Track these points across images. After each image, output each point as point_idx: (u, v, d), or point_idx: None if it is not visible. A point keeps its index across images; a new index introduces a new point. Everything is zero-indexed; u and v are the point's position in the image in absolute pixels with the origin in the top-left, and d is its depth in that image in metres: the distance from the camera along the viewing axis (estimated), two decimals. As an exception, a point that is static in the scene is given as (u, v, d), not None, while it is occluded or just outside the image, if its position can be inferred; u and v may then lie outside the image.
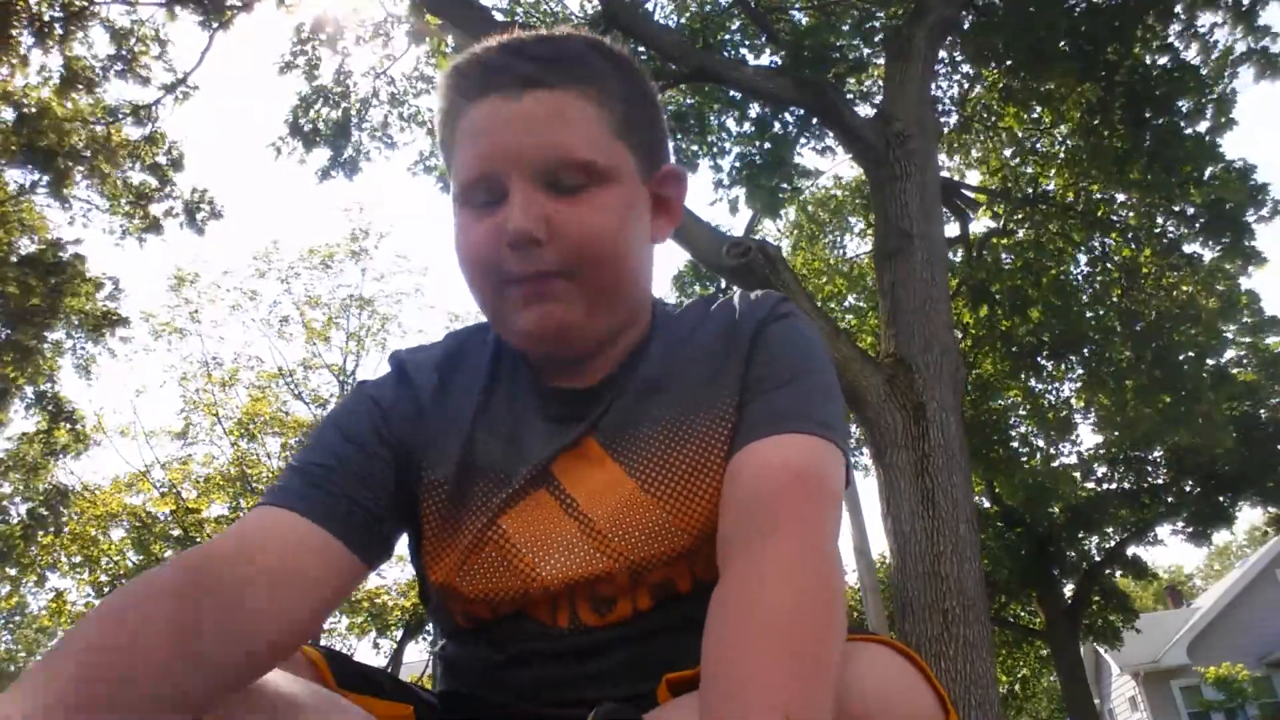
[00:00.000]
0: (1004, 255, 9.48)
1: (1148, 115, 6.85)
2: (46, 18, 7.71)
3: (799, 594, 0.60)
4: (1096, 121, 7.31)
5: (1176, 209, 7.71)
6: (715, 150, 8.55)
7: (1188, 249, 8.12)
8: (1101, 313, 9.20)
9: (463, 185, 0.78)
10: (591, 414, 0.80)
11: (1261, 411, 10.69)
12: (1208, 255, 8.06)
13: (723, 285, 9.74)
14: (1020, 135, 8.85)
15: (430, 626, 11.76)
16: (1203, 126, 7.18)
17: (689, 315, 0.87)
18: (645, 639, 0.75)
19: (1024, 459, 11.25)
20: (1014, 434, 11.67)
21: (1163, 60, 7.06)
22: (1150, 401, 8.56)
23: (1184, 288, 8.51)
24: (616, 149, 0.78)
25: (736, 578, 0.64)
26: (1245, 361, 10.67)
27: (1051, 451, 11.93)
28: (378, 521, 0.75)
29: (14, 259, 9.04)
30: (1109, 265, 8.97)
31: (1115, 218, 8.60)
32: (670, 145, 0.93)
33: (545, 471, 0.78)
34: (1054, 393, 11.04)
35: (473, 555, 0.77)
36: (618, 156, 0.78)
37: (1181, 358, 8.54)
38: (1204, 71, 7.10)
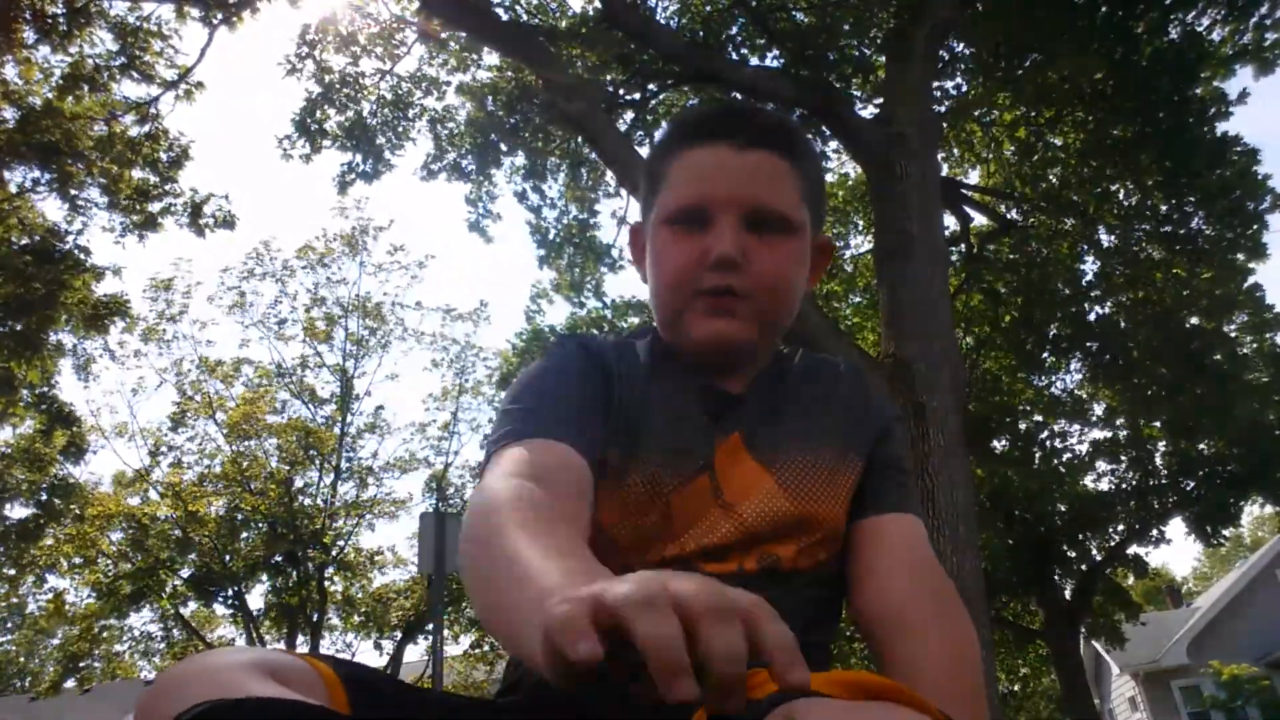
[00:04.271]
0: (1006, 253, 9.45)
1: (1156, 102, 6.75)
2: (50, 14, 7.69)
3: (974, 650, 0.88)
4: (1100, 115, 7.25)
5: (1182, 194, 7.59)
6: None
7: (1193, 242, 8.03)
8: (1108, 310, 9.17)
9: (674, 209, 0.95)
10: (741, 417, 0.98)
11: (1267, 413, 10.59)
12: (1214, 247, 7.99)
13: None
14: (1022, 131, 8.81)
15: (430, 626, 11.74)
16: (1215, 119, 7.10)
17: (806, 360, 1.09)
18: (745, 587, 0.84)
19: (1031, 452, 11.25)
20: (1021, 429, 11.66)
21: (1174, 34, 6.91)
22: (1179, 397, 8.47)
23: (1202, 277, 8.41)
24: (803, 210, 0.97)
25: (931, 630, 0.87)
26: (1249, 361, 10.56)
27: (1058, 445, 11.93)
28: (599, 444, 0.91)
29: (15, 249, 8.96)
30: (1113, 260, 8.92)
31: (1119, 209, 8.51)
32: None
33: (709, 463, 0.94)
34: (1060, 383, 11.06)
35: (639, 515, 0.91)
36: (802, 216, 0.97)
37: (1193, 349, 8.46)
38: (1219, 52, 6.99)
